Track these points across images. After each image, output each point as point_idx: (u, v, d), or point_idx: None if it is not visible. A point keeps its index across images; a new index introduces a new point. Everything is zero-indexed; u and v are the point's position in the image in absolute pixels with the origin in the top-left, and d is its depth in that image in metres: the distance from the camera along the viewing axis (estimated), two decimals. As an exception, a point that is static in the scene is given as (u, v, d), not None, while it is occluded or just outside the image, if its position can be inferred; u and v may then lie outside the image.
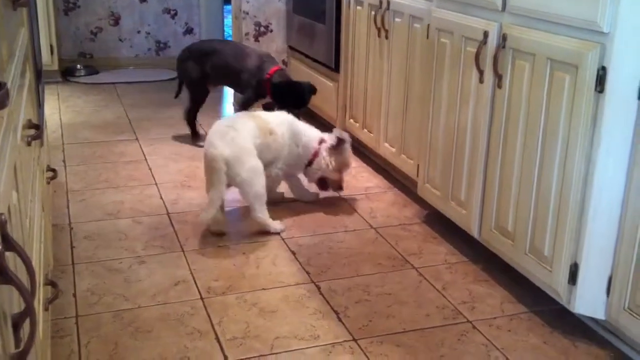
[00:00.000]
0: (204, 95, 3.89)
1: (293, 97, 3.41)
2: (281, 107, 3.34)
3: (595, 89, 1.82)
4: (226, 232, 2.75)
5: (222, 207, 2.73)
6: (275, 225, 2.77)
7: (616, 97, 1.80)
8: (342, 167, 3.01)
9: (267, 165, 2.82)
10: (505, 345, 2.03)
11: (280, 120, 2.92)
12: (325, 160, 2.96)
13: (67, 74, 5.50)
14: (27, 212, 1.39)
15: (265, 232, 2.73)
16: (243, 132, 2.72)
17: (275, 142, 2.85)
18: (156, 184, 3.28)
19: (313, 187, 3.11)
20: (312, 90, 3.48)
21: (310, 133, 3.00)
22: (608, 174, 1.85)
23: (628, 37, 1.76)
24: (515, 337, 2.08)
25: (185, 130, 4.15)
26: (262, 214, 2.73)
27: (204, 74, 3.76)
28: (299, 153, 2.95)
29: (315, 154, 2.96)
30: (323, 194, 3.13)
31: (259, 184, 2.69)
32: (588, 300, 1.97)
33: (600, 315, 1.98)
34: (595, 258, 1.93)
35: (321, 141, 2.98)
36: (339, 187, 3.04)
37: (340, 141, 2.96)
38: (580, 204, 1.92)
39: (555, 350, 2.02)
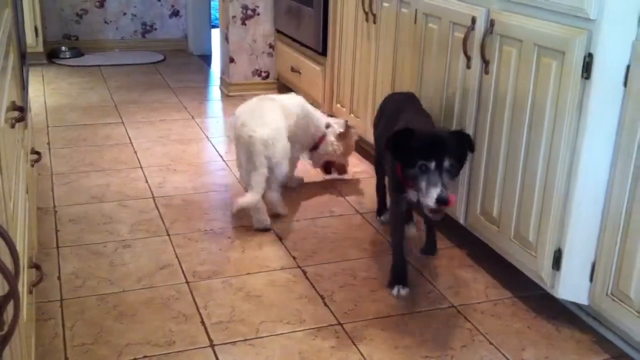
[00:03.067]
0: (378, 168, 2.74)
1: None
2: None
3: (582, 76, 1.82)
4: (270, 226, 2.65)
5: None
6: (284, 208, 2.78)
7: (602, 83, 1.80)
8: (348, 151, 3.09)
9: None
10: (490, 330, 2.05)
11: (295, 102, 2.92)
12: (334, 145, 3.02)
13: (51, 56, 5.44)
14: (10, 194, 1.38)
15: (251, 217, 2.73)
16: (275, 114, 2.70)
17: (292, 124, 2.85)
18: (142, 167, 3.26)
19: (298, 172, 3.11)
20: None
21: (319, 116, 3.05)
22: (593, 160, 1.86)
23: (615, 24, 1.76)
24: (500, 322, 2.09)
25: (171, 113, 4.13)
26: (279, 195, 2.74)
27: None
28: (313, 134, 2.99)
29: (321, 139, 3.02)
30: (313, 177, 3.13)
31: (286, 166, 2.70)
32: (571, 286, 1.99)
33: (583, 300, 1.99)
34: (579, 244, 1.94)
35: (327, 125, 3.03)
36: (344, 170, 3.15)
37: (348, 127, 3.05)
38: (565, 190, 1.93)
39: (539, 334, 2.04)
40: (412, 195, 2.11)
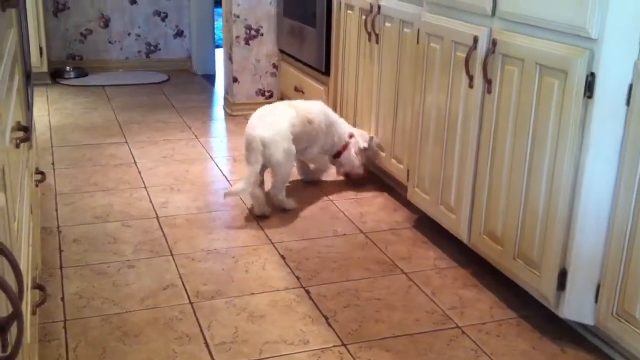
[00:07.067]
0: None
1: None
2: None
3: (585, 95, 1.83)
4: (269, 214, 2.93)
5: (261, 186, 3.00)
6: (290, 203, 3.02)
7: (605, 103, 1.80)
8: (368, 164, 3.32)
9: (302, 150, 3.11)
10: (494, 351, 2.03)
11: (319, 110, 3.15)
12: (353, 159, 3.24)
13: (56, 76, 5.47)
14: (15, 214, 1.38)
15: (255, 237, 2.73)
16: (281, 118, 2.95)
17: (313, 130, 3.09)
18: (146, 187, 3.26)
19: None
20: None
21: (343, 124, 3.27)
22: (597, 180, 1.86)
23: (617, 43, 1.77)
24: (505, 343, 2.08)
25: (175, 133, 4.14)
26: (282, 194, 2.98)
27: None
28: (334, 142, 3.21)
29: (344, 147, 3.24)
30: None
31: (289, 167, 2.97)
32: (577, 306, 1.98)
33: (589, 321, 1.98)
34: (584, 264, 1.93)
35: (351, 135, 3.25)
36: (360, 182, 3.33)
37: (371, 142, 3.21)
38: (568, 209, 1.92)
39: (544, 355, 2.02)
40: None
